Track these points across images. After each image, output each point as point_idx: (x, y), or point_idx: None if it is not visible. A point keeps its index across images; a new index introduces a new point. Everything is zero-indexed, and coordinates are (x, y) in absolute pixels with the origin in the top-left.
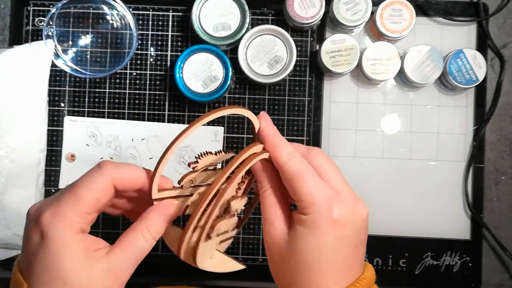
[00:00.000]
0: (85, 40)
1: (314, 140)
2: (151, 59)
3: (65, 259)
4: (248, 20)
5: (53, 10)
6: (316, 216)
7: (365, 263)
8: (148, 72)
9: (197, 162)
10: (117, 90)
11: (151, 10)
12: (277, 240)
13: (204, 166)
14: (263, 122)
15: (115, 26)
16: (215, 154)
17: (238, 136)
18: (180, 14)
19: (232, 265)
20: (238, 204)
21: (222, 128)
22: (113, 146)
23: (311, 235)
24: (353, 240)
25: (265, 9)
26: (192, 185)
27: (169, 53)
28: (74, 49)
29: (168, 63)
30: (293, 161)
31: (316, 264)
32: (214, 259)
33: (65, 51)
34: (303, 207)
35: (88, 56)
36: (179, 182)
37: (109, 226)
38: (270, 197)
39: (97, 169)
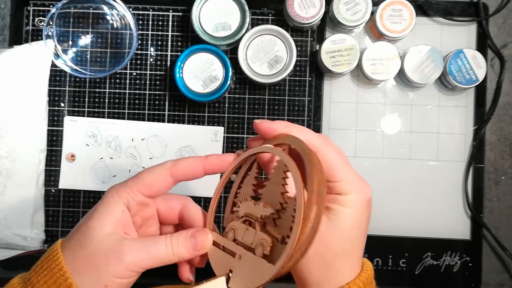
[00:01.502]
0: (85, 40)
1: None
2: (151, 59)
3: (99, 215)
4: (248, 20)
5: (53, 10)
6: (356, 195)
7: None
8: (148, 72)
9: (237, 204)
10: (117, 90)
11: (151, 10)
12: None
13: (244, 215)
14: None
15: (115, 26)
16: (254, 202)
17: (238, 136)
18: (180, 14)
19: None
20: (257, 210)
21: (222, 128)
22: (113, 146)
23: (354, 213)
24: (368, 222)
25: (265, 9)
26: (235, 239)
27: (169, 53)
28: (74, 49)
29: (168, 63)
30: (328, 143)
31: (358, 242)
32: (235, 277)
33: (65, 51)
34: (343, 188)
35: (88, 56)
36: (223, 227)
37: None
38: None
39: (160, 163)
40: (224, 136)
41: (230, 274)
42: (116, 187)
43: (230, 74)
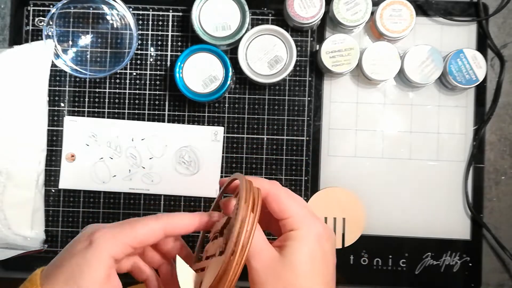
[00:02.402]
0: (85, 40)
1: (314, 140)
2: (151, 59)
3: (89, 270)
4: (248, 20)
5: (53, 10)
6: (305, 230)
7: None
8: (148, 72)
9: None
10: (117, 90)
11: (151, 10)
12: (268, 264)
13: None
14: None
15: (115, 26)
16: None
17: (238, 136)
18: (180, 14)
19: None
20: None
21: (222, 128)
22: (113, 146)
23: (304, 247)
24: (332, 257)
25: (265, 9)
26: (207, 257)
27: (169, 53)
28: (74, 49)
29: (168, 63)
30: (277, 186)
31: (311, 276)
32: None
33: (65, 51)
34: (292, 223)
35: (88, 56)
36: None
37: None
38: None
39: (154, 216)
40: (224, 136)
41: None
42: (106, 238)
43: (230, 74)
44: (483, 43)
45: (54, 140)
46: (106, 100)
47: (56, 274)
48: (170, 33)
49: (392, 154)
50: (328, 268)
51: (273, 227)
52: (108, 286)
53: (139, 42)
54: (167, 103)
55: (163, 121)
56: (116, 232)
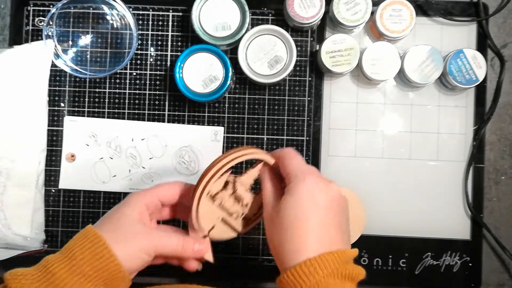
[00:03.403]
0: (85, 40)
1: (314, 140)
2: (151, 59)
3: (128, 207)
4: (248, 20)
5: (53, 10)
6: (294, 183)
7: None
8: (148, 72)
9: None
10: (117, 90)
11: (151, 10)
12: (271, 212)
13: (236, 193)
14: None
15: (115, 26)
16: (247, 189)
17: (238, 136)
18: (180, 14)
19: (229, 235)
20: (245, 195)
21: (222, 128)
22: (113, 146)
23: (291, 197)
24: (327, 208)
25: (265, 9)
26: (220, 204)
27: (169, 53)
28: (74, 49)
29: (168, 63)
30: (286, 150)
31: (296, 221)
32: (215, 229)
33: (65, 51)
34: (288, 178)
35: (88, 56)
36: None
37: None
38: (266, 184)
39: (172, 183)
40: (224, 136)
41: (212, 228)
42: (138, 192)
43: (230, 74)
44: (483, 43)
45: (54, 140)
46: (106, 100)
47: (103, 221)
48: (170, 33)
49: (392, 154)
50: (316, 219)
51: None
52: (142, 220)
53: (139, 42)
54: (167, 103)
55: (163, 121)
56: (144, 190)
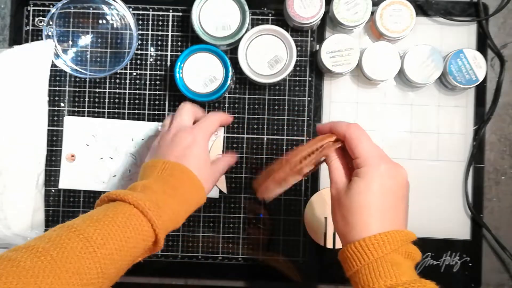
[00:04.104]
0: (85, 40)
1: None
2: (151, 59)
3: (200, 150)
4: (248, 20)
5: (53, 10)
6: (367, 168)
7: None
8: (148, 72)
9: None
10: (117, 90)
11: (151, 10)
12: (339, 192)
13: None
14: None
15: (115, 26)
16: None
17: (238, 136)
18: (180, 14)
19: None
20: (308, 169)
21: (222, 128)
22: (113, 146)
23: (362, 182)
24: (395, 193)
25: (265, 9)
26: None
27: (169, 53)
28: (74, 49)
29: (168, 63)
30: (353, 129)
31: (365, 205)
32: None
33: (65, 51)
34: (359, 162)
35: (88, 56)
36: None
37: None
38: (335, 163)
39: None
40: (224, 136)
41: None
42: (203, 137)
43: (230, 74)
44: (483, 43)
45: (54, 140)
46: (106, 100)
47: (171, 151)
48: (170, 33)
49: (392, 154)
50: (384, 203)
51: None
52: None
53: (139, 42)
54: (167, 103)
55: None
56: (206, 132)
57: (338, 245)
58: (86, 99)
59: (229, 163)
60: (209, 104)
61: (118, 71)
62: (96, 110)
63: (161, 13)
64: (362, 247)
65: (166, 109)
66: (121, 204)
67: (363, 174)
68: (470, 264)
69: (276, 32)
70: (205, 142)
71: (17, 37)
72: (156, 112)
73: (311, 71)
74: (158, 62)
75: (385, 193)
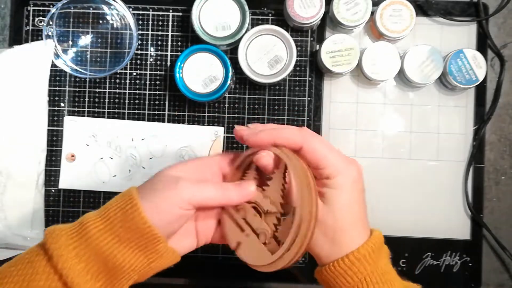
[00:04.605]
0: (85, 40)
1: None
2: (151, 59)
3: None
4: (248, 20)
5: (53, 10)
6: (341, 178)
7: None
8: (148, 72)
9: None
10: (117, 90)
11: (151, 10)
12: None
13: (254, 201)
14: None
15: (115, 26)
16: (264, 195)
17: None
18: (180, 14)
19: (261, 259)
20: (271, 207)
21: (222, 128)
22: (113, 146)
23: (343, 194)
24: (363, 192)
25: (265, 9)
26: (244, 218)
27: (169, 53)
28: (74, 49)
29: (168, 63)
30: (310, 137)
31: (350, 218)
32: (243, 246)
33: (65, 51)
34: (329, 173)
35: (88, 56)
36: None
37: None
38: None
39: (217, 186)
40: (224, 136)
41: (239, 245)
42: (187, 188)
43: (230, 74)
44: (483, 43)
45: (54, 140)
46: (106, 100)
47: (146, 190)
48: (170, 33)
49: (392, 154)
50: (361, 207)
51: None
52: (178, 222)
53: (139, 42)
54: (167, 103)
55: (163, 121)
56: (194, 190)
57: None
58: (86, 99)
59: (234, 193)
60: (209, 104)
61: (118, 71)
62: (96, 110)
63: (161, 13)
64: (356, 260)
65: (166, 109)
66: None
67: (339, 185)
68: (470, 264)
69: (276, 32)
70: (188, 196)
71: (17, 37)
72: (156, 112)
73: (311, 71)
74: (158, 62)
75: (360, 197)
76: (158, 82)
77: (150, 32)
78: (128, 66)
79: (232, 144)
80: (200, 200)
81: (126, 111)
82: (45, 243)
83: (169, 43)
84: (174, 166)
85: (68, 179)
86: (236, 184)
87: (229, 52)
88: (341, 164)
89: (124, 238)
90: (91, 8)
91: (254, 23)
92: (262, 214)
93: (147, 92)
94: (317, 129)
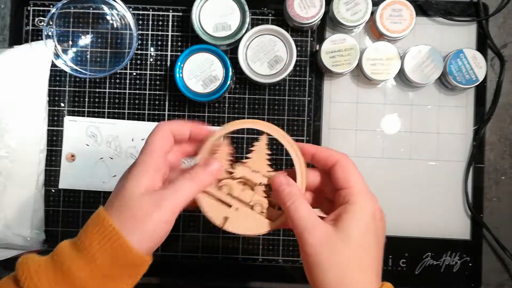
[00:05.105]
0: (85, 40)
1: (314, 140)
2: (151, 59)
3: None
4: (248, 20)
5: (53, 10)
6: (363, 204)
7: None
8: (148, 72)
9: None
10: (117, 90)
11: (151, 10)
12: (323, 237)
13: (241, 177)
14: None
15: (115, 26)
16: (252, 170)
17: (238, 136)
18: (180, 14)
19: (251, 229)
20: (258, 179)
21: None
22: (113, 146)
23: (361, 221)
24: (383, 237)
25: (265, 9)
26: (229, 194)
27: (169, 53)
28: (74, 49)
29: (168, 63)
30: (348, 159)
31: (366, 249)
32: (231, 220)
33: (65, 51)
34: (352, 194)
35: (88, 56)
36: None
37: None
38: (302, 206)
39: (155, 129)
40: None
41: (227, 220)
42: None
43: (230, 74)
44: (483, 43)
45: (54, 140)
46: (106, 100)
47: (112, 199)
48: (170, 33)
49: (392, 154)
50: (379, 245)
51: (325, 206)
52: (149, 188)
53: (139, 42)
54: (167, 103)
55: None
56: (175, 199)
57: None
58: (86, 99)
59: (206, 179)
60: (209, 104)
61: (118, 71)
62: (96, 110)
63: (161, 13)
64: None
65: (166, 109)
66: None
67: (359, 212)
68: (470, 264)
69: (276, 32)
70: (145, 167)
71: (17, 37)
72: (156, 112)
73: (311, 71)
74: (158, 62)
75: (377, 235)
76: (158, 82)
77: (150, 32)
78: (128, 66)
79: (232, 144)
80: (183, 203)
81: (126, 111)
82: (16, 275)
83: (169, 43)
84: (133, 176)
85: (68, 179)
86: (202, 166)
87: (229, 52)
88: (365, 192)
89: (116, 275)
90: (91, 8)
91: (254, 23)
92: (255, 188)
93: (147, 92)
94: (317, 129)
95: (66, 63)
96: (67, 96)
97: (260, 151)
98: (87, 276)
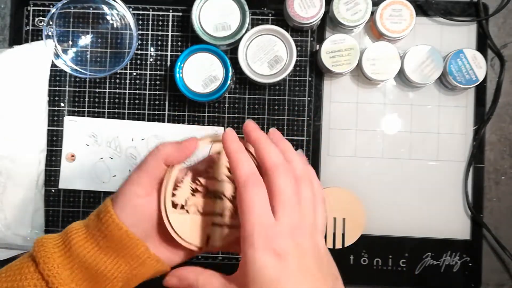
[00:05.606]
0: (85, 40)
1: (314, 140)
2: (151, 59)
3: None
4: (248, 20)
5: (53, 10)
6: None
7: None
8: (148, 72)
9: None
10: (117, 90)
11: (151, 10)
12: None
13: (213, 191)
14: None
15: (115, 26)
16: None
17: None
18: (180, 14)
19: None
20: (220, 186)
21: (222, 128)
22: (113, 146)
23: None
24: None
25: (265, 9)
26: (200, 212)
27: (169, 53)
28: (74, 49)
29: (168, 63)
30: (250, 188)
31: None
32: (214, 237)
33: (65, 51)
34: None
35: (88, 56)
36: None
37: None
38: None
39: (153, 152)
40: None
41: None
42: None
43: (230, 74)
44: (483, 43)
45: (54, 140)
46: (106, 100)
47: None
48: (170, 33)
49: (392, 154)
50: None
51: None
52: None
53: (139, 42)
54: (167, 103)
55: (163, 121)
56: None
57: (346, 243)
58: (86, 99)
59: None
60: (209, 104)
61: (118, 71)
62: (96, 110)
63: (161, 13)
64: None
65: (166, 109)
66: None
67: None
68: (470, 264)
69: (276, 32)
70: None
71: (17, 37)
72: (156, 112)
73: (311, 71)
74: (158, 62)
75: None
76: (158, 82)
77: (150, 32)
78: (128, 66)
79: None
80: (151, 176)
81: (126, 111)
82: (33, 252)
83: (169, 43)
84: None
85: (68, 179)
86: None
87: (229, 52)
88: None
89: (103, 246)
90: (91, 8)
91: (254, 23)
92: (223, 195)
93: (147, 92)
94: (317, 129)
95: (66, 63)
96: (67, 96)
97: (217, 159)
98: (81, 241)
